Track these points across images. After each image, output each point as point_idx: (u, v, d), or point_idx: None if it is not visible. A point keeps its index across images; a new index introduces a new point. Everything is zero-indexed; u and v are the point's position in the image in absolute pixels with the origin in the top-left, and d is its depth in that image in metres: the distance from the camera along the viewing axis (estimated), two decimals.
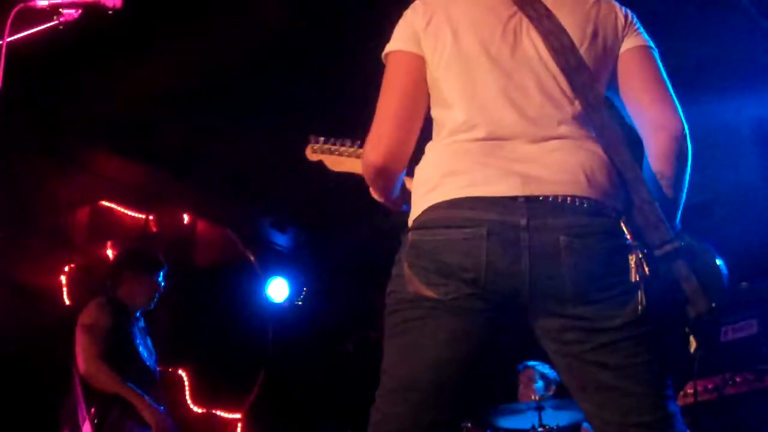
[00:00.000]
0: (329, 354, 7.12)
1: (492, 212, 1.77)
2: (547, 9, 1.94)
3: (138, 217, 6.25)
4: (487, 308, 1.79)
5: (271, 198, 6.40)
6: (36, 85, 4.52)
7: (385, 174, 1.99)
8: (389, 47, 2.02)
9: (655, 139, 1.90)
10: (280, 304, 6.90)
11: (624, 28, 1.99)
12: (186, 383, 6.29)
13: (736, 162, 5.48)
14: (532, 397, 4.63)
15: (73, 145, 5.42)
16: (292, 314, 6.97)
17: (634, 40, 1.99)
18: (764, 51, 4.63)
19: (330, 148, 2.50)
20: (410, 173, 2.01)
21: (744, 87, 4.94)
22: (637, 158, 1.88)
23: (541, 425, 4.49)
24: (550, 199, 1.78)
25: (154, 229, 6.31)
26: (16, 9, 2.31)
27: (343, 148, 2.48)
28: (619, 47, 1.98)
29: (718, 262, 1.87)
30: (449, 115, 1.93)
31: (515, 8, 1.96)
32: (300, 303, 7.04)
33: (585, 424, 4.64)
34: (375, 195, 2.12)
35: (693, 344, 1.82)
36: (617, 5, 2.03)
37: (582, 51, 1.91)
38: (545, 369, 4.92)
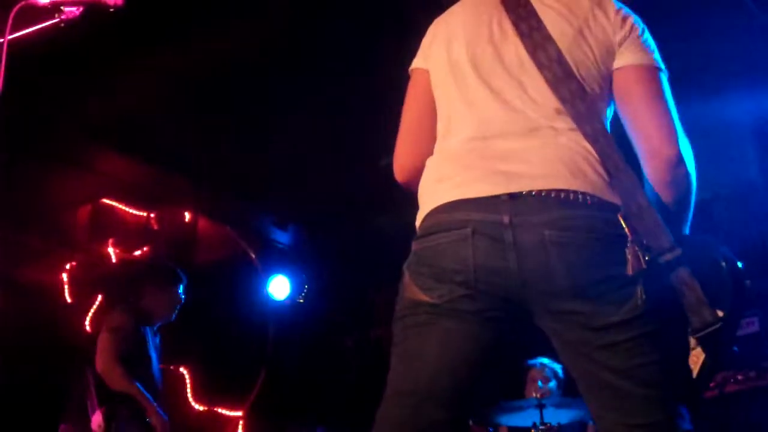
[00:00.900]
0: (330, 351, 7.12)
1: (477, 212, 1.78)
2: (538, 19, 1.91)
3: (139, 215, 6.25)
4: (484, 308, 1.79)
5: (272, 196, 6.41)
6: (38, 83, 4.52)
7: (411, 187, 2.04)
8: (411, 66, 2.10)
9: (650, 166, 1.84)
10: (281, 301, 6.90)
11: (620, 37, 1.89)
12: (187, 381, 6.29)
13: (738, 159, 5.46)
14: (533, 394, 4.63)
15: (75, 143, 5.42)
16: (293, 312, 6.97)
17: (630, 57, 1.89)
18: (764, 47, 4.62)
19: None
20: None
21: (744, 84, 4.92)
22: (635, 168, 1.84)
23: (543, 423, 4.48)
24: (534, 194, 1.76)
25: (156, 227, 6.31)
26: (17, 7, 2.31)
27: None
28: (613, 59, 1.90)
29: (726, 263, 1.80)
30: (442, 123, 1.98)
31: (505, 17, 1.96)
32: (301, 301, 7.04)
33: (591, 421, 4.63)
34: None
35: (693, 358, 1.79)
36: (621, 12, 1.94)
37: (570, 60, 1.86)
38: (555, 366, 4.91)
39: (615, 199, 1.80)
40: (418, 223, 1.92)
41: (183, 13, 4.31)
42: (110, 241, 6.01)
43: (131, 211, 6.19)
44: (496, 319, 1.81)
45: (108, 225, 6.03)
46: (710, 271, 1.78)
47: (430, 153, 1.98)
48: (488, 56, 1.92)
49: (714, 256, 1.82)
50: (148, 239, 6.21)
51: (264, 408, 6.61)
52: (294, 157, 5.70)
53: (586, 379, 1.81)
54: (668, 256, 1.74)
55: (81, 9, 2.35)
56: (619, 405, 1.76)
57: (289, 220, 6.92)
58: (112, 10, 2.33)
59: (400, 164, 2.07)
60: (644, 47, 1.91)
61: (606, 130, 1.85)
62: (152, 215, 6.30)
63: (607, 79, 1.91)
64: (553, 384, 4.91)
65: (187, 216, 6.55)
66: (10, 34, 2.29)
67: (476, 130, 1.88)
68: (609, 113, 1.96)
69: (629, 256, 1.73)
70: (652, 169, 1.84)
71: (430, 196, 1.89)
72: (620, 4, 1.98)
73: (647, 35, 1.94)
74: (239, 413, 6.54)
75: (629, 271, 1.72)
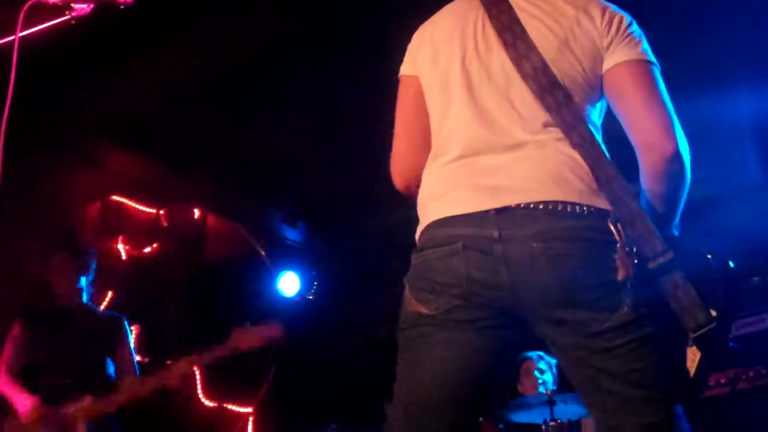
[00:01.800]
0: (340, 348, 7.12)
1: (467, 228, 1.82)
2: (522, 28, 1.90)
3: (149, 212, 6.27)
4: (481, 317, 1.82)
5: (282, 192, 6.41)
6: (47, 81, 4.52)
7: (411, 192, 2.07)
8: (400, 72, 2.12)
9: (645, 160, 1.84)
10: (291, 298, 6.90)
11: (607, 41, 1.87)
12: (197, 377, 6.30)
13: (738, 159, 5.44)
14: (530, 390, 4.61)
15: (84, 140, 5.43)
16: (303, 308, 6.97)
17: (620, 54, 1.87)
18: (765, 47, 4.60)
19: None
20: None
21: (747, 81, 4.90)
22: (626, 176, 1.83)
23: (553, 419, 4.48)
24: (522, 207, 1.78)
25: (165, 224, 6.33)
26: (27, 4, 2.31)
27: None
28: (602, 63, 1.88)
29: (715, 262, 1.83)
30: (434, 139, 2.00)
31: (489, 26, 1.95)
32: (311, 297, 7.04)
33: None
34: None
35: (689, 357, 1.80)
36: (607, 11, 1.91)
37: (555, 70, 1.85)
38: (549, 359, 4.89)
39: (604, 205, 1.79)
40: (416, 237, 1.96)
41: (195, 8, 4.31)
42: (120, 237, 6.02)
43: (141, 207, 6.21)
44: (494, 327, 1.83)
45: (118, 222, 6.04)
46: (701, 271, 1.79)
47: (426, 154, 2.00)
48: (475, 71, 1.93)
49: (703, 256, 1.85)
50: (157, 236, 6.22)
51: (274, 404, 6.62)
52: (303, 154, 5.70)
53: (585, 385, 1.84)
54: (661, 260, 1.74)
55: (91, 6, 2.35)
56: (619, 407, 1.78)
57: (299, 217, 6.92)
58: (122, 7, 2.33)
59: (397, 170, 2.10)
60: (633, 43, 1.89)
61: (594, 136, 1.85)
62: (162, 212, 6.32)
63: (596, 86, 1.90)
64: (549, 376, 4.90)
65: (197, 213, 6.57)
66: (21, 31, 2.29)
67: (464, 149, 1.90)
68: (598, 119, 1.95)
69: (619, 263, 1.74)
70: (648, 163, 1.84)
71: (425, 213, 1.94)
72: (607, 3, 1.95)
73: (635, 27, 1.92)
74: (249, 409, 6.55)
75: (619, 277, 1.74)
